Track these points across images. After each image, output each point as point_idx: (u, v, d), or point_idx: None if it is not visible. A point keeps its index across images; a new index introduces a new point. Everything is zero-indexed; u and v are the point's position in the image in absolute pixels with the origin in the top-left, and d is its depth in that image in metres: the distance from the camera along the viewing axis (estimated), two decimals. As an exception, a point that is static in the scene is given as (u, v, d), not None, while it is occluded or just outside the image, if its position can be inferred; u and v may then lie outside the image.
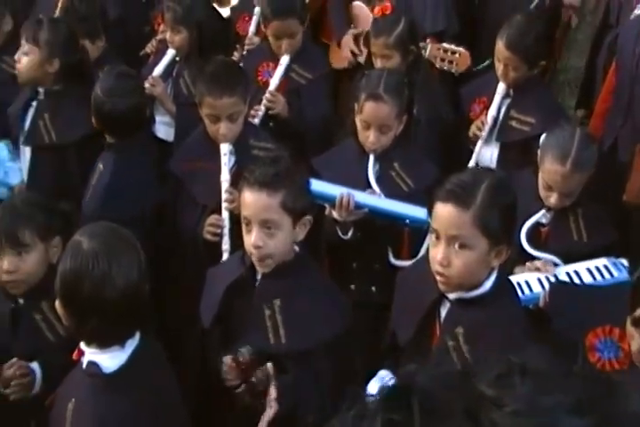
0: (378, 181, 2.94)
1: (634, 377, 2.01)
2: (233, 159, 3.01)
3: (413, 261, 2.65)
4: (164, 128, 3.74)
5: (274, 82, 3.65)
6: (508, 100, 3.43)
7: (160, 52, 3.99)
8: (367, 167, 2.95)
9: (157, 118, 3.58)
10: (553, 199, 2.76)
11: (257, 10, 4.06)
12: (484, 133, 3.42)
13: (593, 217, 2.85)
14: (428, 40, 3.84)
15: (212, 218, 2.96)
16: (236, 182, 2.70)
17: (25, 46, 3.38)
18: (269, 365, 2.20)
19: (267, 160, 2.45)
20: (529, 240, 2.75)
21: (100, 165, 3.13)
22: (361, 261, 3.03)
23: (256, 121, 3.50)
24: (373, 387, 2.19)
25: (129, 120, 3.13)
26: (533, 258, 2.73)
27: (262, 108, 3.57)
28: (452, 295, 2.15)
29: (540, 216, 2.81)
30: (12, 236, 2.39)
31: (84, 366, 1.98)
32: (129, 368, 1.96)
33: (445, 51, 3.74)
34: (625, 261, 2.68)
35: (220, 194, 2.95)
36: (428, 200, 2.24)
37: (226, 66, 3.19)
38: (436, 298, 2.19)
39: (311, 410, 2.20)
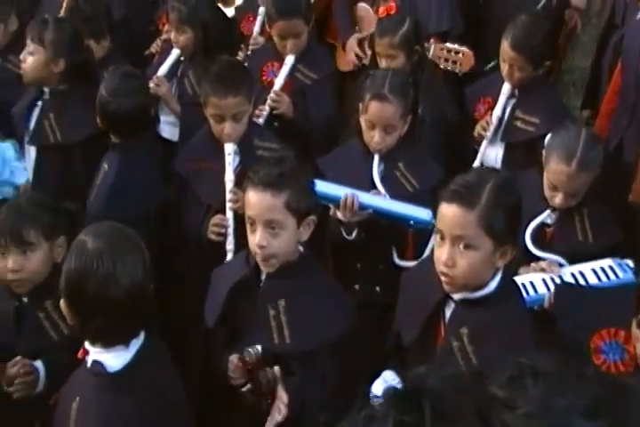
0: (382, 181, 2.94)
1: (639, 380, 2.00)
2: (237, 159, 3.01)
3: (418, 261, 2.65)
4: (168, 128, 3.73)
5: (279, 82, 3.64)
6: (513, 101, 3.42)
7: (165, 52, 3.99)
8: (372, 167, 2.94)
9: (162, 118, 3.58)
10: (558, 200, 2.75)
11: (261, 10, 4.06)
12: (489, 134, 3.40)
13: (598, 217, 2.84)
14: (431, 40, 3.83)
15: (217, 218, 2.96)
16: (240, 182, 2.70)
17: (30, 46, 3.39)
18: (276, 368, 2.20)
19: (271, 160, 2.45)
20: (534, 241, 2.74)
21: (105, 165, 3.13)
22: (365, 262, 3.02)
23: (260, 121, 3.49)
24: (378, 387, 2.19)
25: (134, 120, 3.13)
26: (538, 258, 2.72)
27: (267, 108, 3.57)
28: (456, 296, 2.15)
29: (545, 216, 2.80)
30: (17, 235, 2.40)
31: (89, 365, 1.98)
32: (133, 368, 1.96)
33: (449, 51, 3.73)
34: (630, 262, 2.67)
35: (224, 194, 2.95)
36: (433, 200, 2.24)
37: (230, 66, 3.19)
38: (441, 298, 2.18)
39: (317, 411, 2.20)
